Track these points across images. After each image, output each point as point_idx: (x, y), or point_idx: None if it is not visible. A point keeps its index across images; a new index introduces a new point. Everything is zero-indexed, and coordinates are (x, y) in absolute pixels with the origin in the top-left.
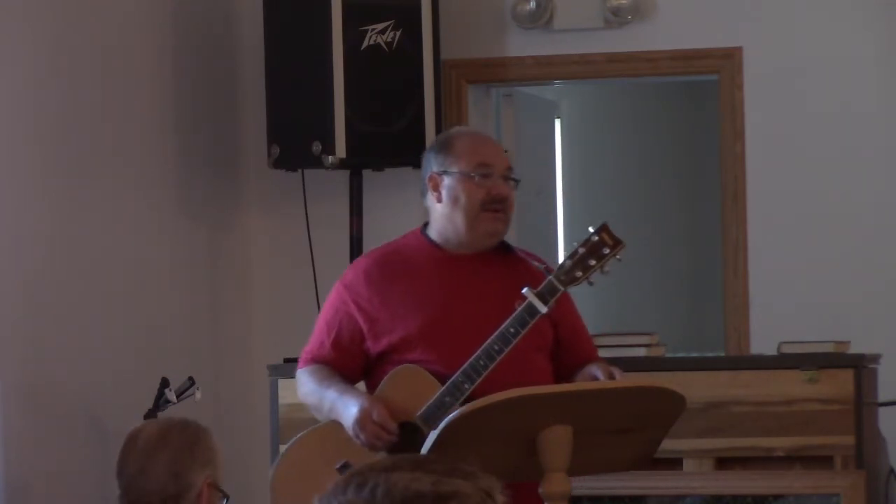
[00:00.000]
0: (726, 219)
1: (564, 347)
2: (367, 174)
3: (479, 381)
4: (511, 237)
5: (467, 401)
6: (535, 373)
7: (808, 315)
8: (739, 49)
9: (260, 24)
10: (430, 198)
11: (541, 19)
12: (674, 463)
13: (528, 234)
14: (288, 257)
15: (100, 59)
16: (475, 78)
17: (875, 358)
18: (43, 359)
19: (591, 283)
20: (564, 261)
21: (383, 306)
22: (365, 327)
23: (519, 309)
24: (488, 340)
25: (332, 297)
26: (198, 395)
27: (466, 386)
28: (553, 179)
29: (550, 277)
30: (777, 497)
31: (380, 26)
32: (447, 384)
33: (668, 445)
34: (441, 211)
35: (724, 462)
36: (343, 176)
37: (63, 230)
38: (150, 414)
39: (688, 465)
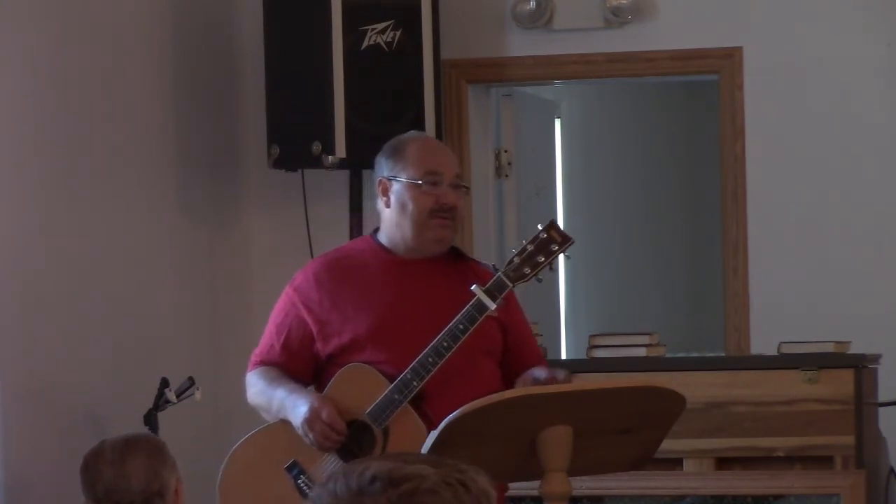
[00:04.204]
0: (726, 219)
1: (512, 354)
2: (367, 174)
3: (427, 378)
4: (511, 237)
5: (416, 398)
6: (485, 376)
7: (808, 315)
8: (739, 49)
9: (260, 23)
10: (380, 202)
11: (541, 19)
12: (674, 463)
13: (528, 233)
14: (288, 257)
15: (100, 60)
16: (475, 78)
17: (875, 358)
18: (43, 359)
19: (539, 280)
20: (513, 258)
21: (333, 309)
22: (314, 329)
23: (468, 306)
24: (437, 337)
25: (282, 301)
26: (198, 395)
27: (415, 383)
28: (553, 179)
29: (499, 274)
30: (777, 497)
31: (380, 26)
32: (396, 381)
33: (668, 445)
34: (389, 216)
35: (724, 462)
36: (343, 176)
37: (63, 230)
38: (150, 414)
39: (688, 465)
